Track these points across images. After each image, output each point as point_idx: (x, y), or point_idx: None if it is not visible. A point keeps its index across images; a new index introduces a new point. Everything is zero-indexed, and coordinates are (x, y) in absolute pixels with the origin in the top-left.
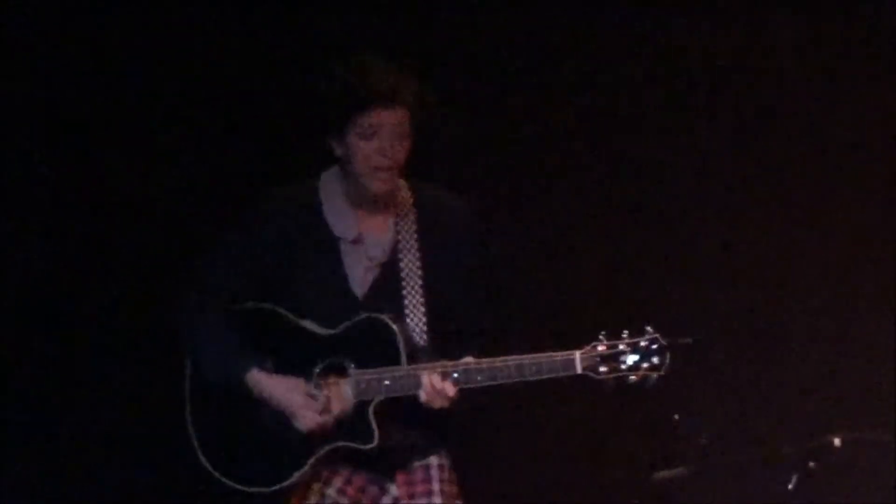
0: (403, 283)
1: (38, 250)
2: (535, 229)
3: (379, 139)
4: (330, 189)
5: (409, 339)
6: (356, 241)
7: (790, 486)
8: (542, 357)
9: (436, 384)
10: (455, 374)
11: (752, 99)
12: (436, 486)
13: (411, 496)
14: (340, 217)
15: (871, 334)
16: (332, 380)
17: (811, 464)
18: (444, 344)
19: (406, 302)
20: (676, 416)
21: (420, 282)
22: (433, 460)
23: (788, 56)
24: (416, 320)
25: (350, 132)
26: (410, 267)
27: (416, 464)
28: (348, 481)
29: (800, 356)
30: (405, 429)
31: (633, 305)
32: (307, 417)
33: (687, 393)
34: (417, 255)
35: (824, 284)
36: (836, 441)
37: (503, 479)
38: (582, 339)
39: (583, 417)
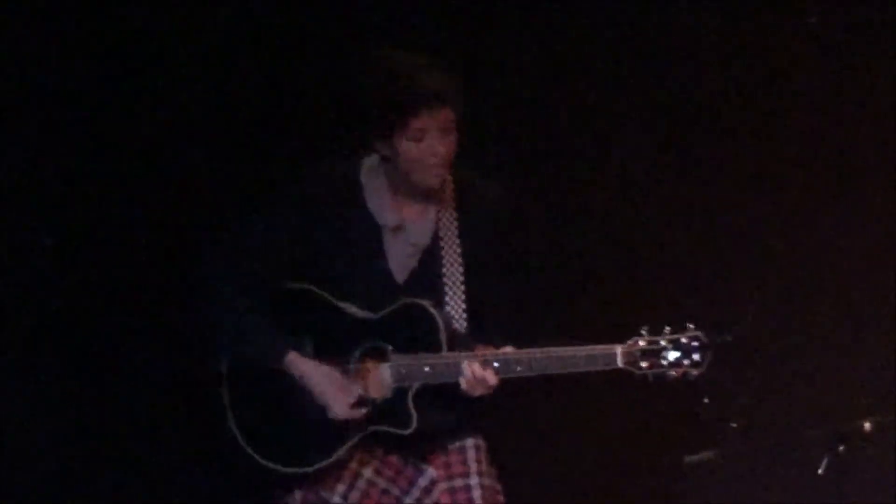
0: (444, 271)
1: (54, 247)
2: (579, 223)
3: (429, 139)
4: (372, 176)
5: (449, 326)
6: (397, 229)
7: (820, 471)
8: (583, 350)
9: (476, 373)
10: (495, 364)
11: (801, 95)
12: (473, 467)
13: (449, 477)
14: (382, 204)
15: None
16: (370, 364)
17: (841, 448)
18: (482, 331)
19: (446, 289)
20: (706, 400)
21: (460, 269)
22: (469, 442)
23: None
24: (456, 307)
25: (398, 135)
26: (451, 254)
27: (452, 446)
28: (384, 463)
29: (830, 339)
30: (442, 413)
31: (668, 300)
32: (340, 408)
33: (716, 376)
34: (458, 241)
35: (855, 267)
36: (867, 425)
37: (529, 464)
38: (623, 333)
39: (611, 402)
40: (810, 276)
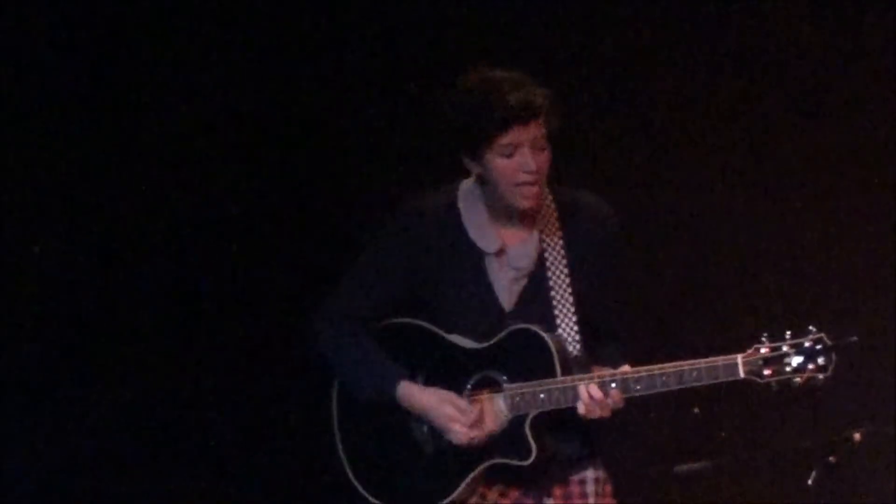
0: (552, 293)
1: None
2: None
3: (520, 155)
4: (469, 201)
5: (562, 350)
6: (500, 253)
7: (810, 481)
8: (703, 363)
9: (595, 395)
10: (613, 384)
11: None
12: (591, 501)
13: (567, 497)
14: (482, 230)
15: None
16: (484, 395)
17: (831, 458)
18: (596, 352)
19: (556, 311)
20: (696, 410)
21: (569, 290)
22: (589, 473)
23: None
24: (568, 329)
25: (487, 152)
26: (558, 275)
27: (573, 477)
28: (503, 495)
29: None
30: (562, 441)
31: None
32: (459, 431)
33: (707, 387)
34: (564, 262)
35: (848, 277)
36: (857, 435)
37: None
38: (741, 342)
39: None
40: (802, 285)
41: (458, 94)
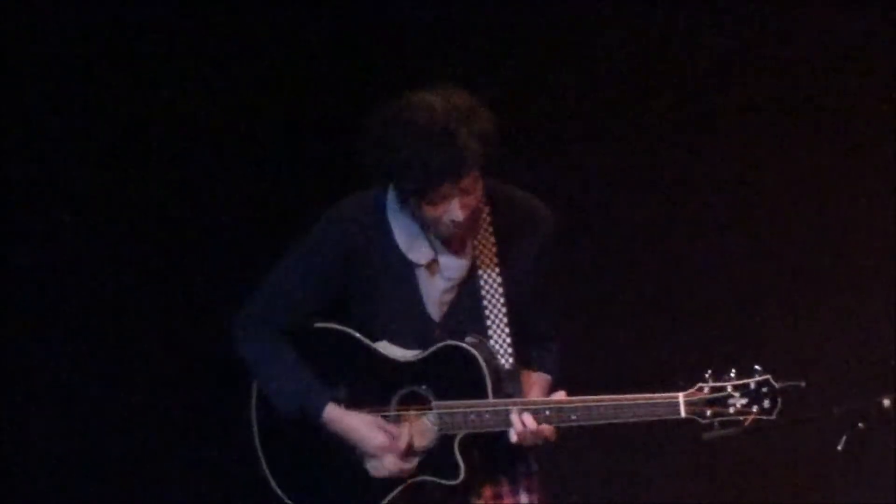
0: (484, 303)
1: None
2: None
3: (449, 207)
4: (398, 212)
5: (493, 366)
6: (431, 265)
7: (839, 447)
8: (643, 398)
9: (528, 423)
10: (547, 412)
11: None
12: (524, 498)
13: (497, 497)
14: (412, 241)
15: None
16: (412, 411)
17: (860, 424)
18: (531, 360)
19: (489, 322)
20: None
21: (502, 298)
22: (521, 469)
23: None
24: (501, 341)
25: (413, 199)
26: (490, 283)
27: (503, 476)
28: None
29: (849, 317)
30: (492, 459)
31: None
32: (391, 461)
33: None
34: (497, 269)
35: (880, 246)
36: (886, 402)
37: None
38: (684, 376)
39: (630, 378)
40: (832, 257)
41: (385, 145)
